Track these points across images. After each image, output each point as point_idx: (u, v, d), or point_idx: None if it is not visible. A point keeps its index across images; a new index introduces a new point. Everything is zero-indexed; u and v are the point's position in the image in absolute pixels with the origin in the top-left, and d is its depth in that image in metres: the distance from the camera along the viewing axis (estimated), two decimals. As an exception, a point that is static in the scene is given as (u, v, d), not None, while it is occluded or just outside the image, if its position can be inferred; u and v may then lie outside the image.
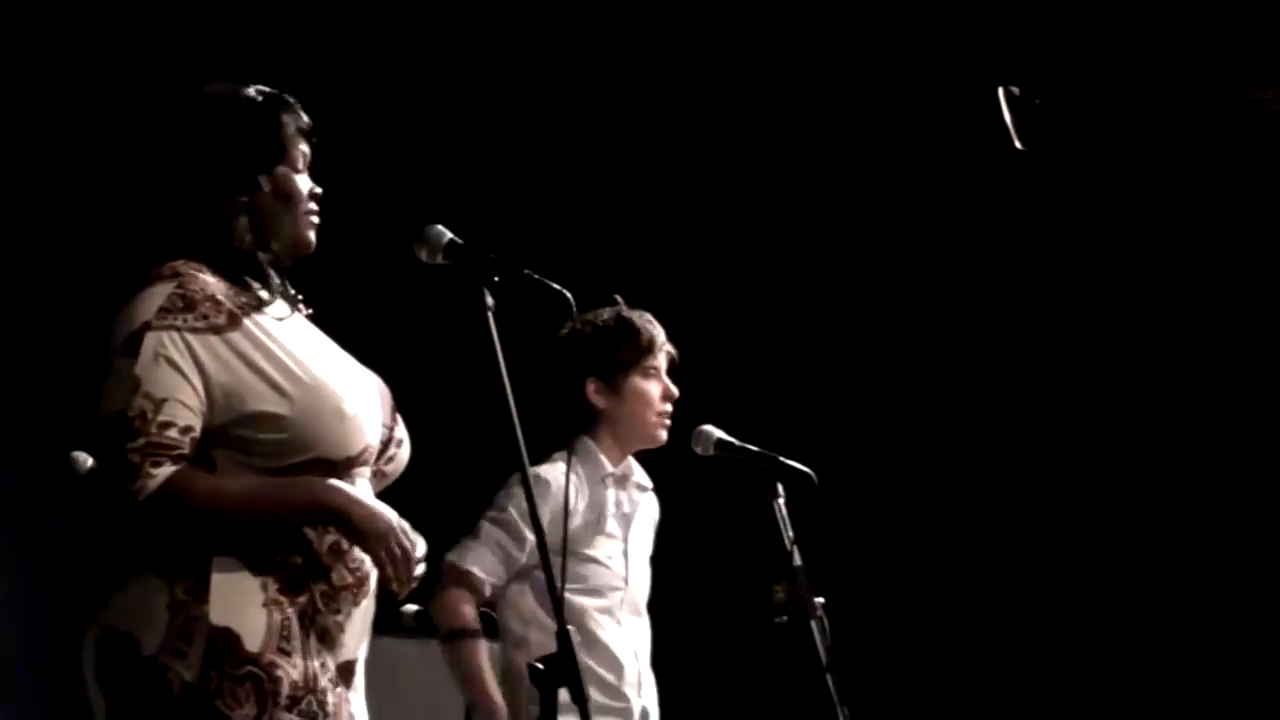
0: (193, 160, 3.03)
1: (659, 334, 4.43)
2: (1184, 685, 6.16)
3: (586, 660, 4.24)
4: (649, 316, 4.45)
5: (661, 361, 4.42)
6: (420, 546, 3.00)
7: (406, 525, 2.95)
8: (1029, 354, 6.47)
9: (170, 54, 5.73)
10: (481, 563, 4.27)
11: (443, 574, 4.29)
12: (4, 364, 5.62)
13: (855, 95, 6.47)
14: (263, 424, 2.91)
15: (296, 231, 3.09)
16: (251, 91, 3.09)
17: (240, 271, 3.03)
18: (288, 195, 3.07)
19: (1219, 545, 6.20)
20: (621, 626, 4.35)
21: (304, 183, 3.11)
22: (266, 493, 2.91)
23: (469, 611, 4.27)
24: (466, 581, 4.26)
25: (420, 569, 2.97)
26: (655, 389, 4.39)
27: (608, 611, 4.34)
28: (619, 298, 4.44)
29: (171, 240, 3.02)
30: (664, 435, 4.43)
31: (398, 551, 2.91)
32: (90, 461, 4.27)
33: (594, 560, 4.33)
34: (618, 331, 4.39)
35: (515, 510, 4.25)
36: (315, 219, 3.12)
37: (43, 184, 5.71)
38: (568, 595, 4.22)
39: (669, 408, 4.42)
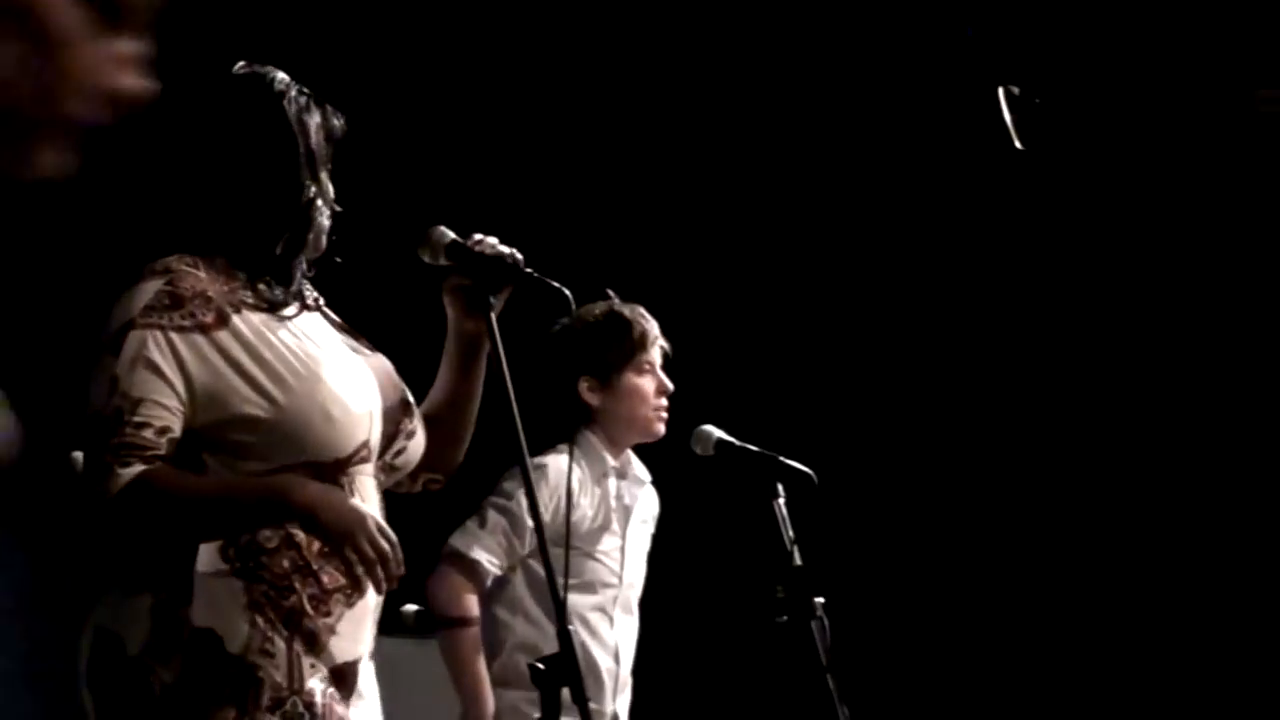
0: (248, 160, 3.00)
1: (652, 328, 4.39)
2: (1184, 685, 6.15)
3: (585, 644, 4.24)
4: (642, 310, 4.41)
5: (655, 356, 4.38)
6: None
7: (382, 523, 2.88)
8: (1028, 354, 6.47)
9: (172, 53, 5.71)
10: (488, 551, 4.22)
11: (446, 558, 4.25)
12: (1, 361, 5.60)
13: (855, 95, 6.46)
14: (245, 426, 2.89)
15: (323, 236, 3.08)
16: (296, 92, 3.06)
17: (265, 272, 3.00)
18: (328, 203, 3.07)
19: (1219, 545, 6.20)
20: (614, 626, 4.32)
21: (330, 188, 3.09)
22: (235, 491, 2.89)
23: (470, 600, 4.23)
24: (472, 570, 4.22)
25: (401, 569, 2.89)
26: (649, 385, 4.36)
27: (600, 609, 4.30)
28: (611, 292, 4.42)
29: (191, 237, 2.99)
30: (661, 429, 4.40)
31: (369, 551, 2.82)
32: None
33: (592, 556, 4.30)
34: (610, 328, 4.36)
35: (521, 499, 4.21)
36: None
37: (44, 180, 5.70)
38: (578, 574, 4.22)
39: (664, 402, 4.39)
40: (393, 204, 5.41)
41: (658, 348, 4.40)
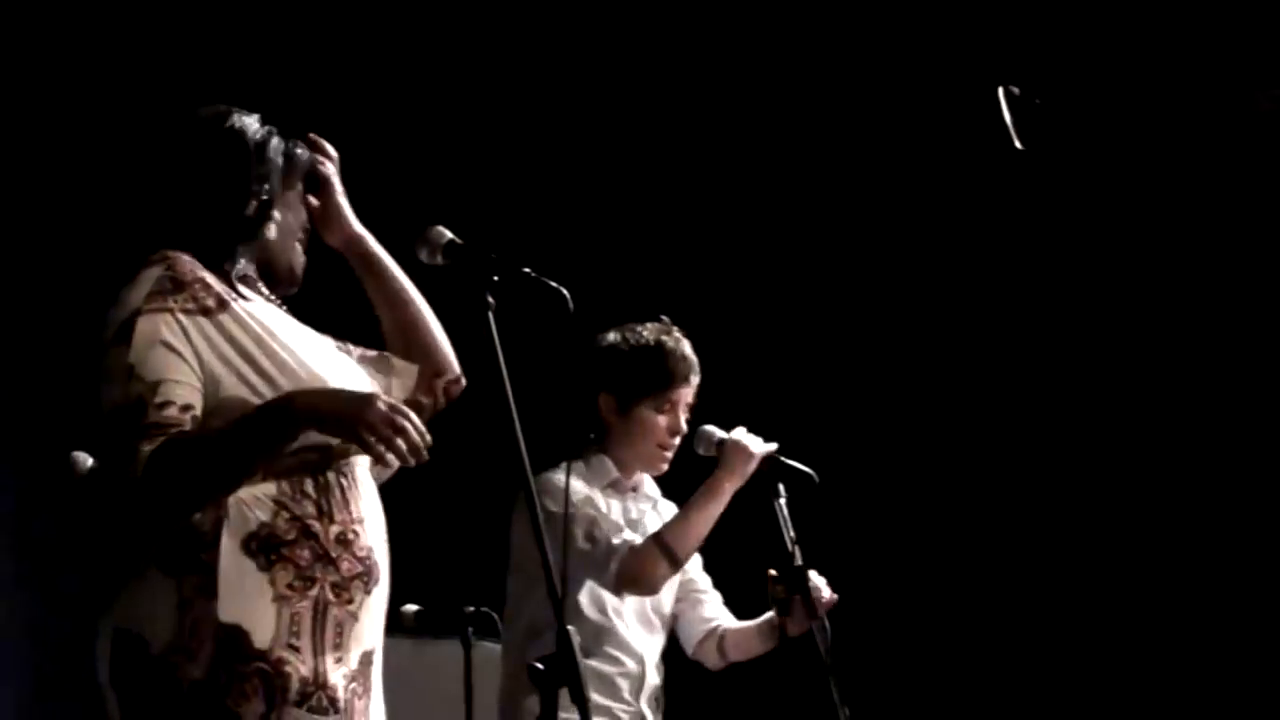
0: (210, 187, 3.08)
1: (685, 370, 4.35)
2: (1184, 685, 6.15)
3: (606, 648, 4.25)
4: (687, 348, 4.37)
5: (682, 398, 4.37)
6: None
7: (392, 400, 2.91)
8: (1028, 354, 6.46)
9: (172, 55, 5.73)
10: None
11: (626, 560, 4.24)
12: (1, 361, 5.62)
13: (856, 96, 6.47)
14: (244, 409, 2.90)
15: (292, 262, 3.18)
16: (256, 127, 3.14)
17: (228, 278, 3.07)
18: (289, 229, 3.16)
19: (1219, 545, 6.19)
20: (632, 629, 4.33)
21: (299, 215, 3.19)
22: (242, 421, 2.88)
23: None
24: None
25: (428, 438, 2.88)
26: (664, 422, 4.35)
27: (618, 613, 4.32)
28: (665, 318, 4.40)
29: (164, 240, 3.05)
30: (664, 468, 4.41)
31: (384, 428, 2.84)
32: (90, 462, 4.27)
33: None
34: (648, 357, 4.33)
35: (592, 512, 4.25)
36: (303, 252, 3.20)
37: (43, 186, 5.72)
38: (595, 589, 4.22)
39: (675, 442, 4.37)
40: (392, 205, 5.41)
41: (687, 391, 4.38)
